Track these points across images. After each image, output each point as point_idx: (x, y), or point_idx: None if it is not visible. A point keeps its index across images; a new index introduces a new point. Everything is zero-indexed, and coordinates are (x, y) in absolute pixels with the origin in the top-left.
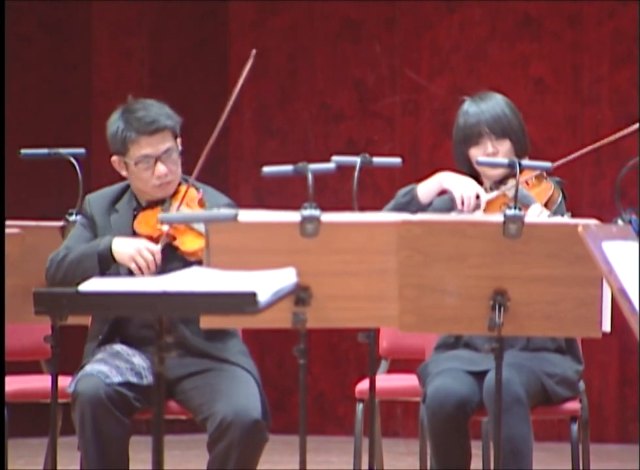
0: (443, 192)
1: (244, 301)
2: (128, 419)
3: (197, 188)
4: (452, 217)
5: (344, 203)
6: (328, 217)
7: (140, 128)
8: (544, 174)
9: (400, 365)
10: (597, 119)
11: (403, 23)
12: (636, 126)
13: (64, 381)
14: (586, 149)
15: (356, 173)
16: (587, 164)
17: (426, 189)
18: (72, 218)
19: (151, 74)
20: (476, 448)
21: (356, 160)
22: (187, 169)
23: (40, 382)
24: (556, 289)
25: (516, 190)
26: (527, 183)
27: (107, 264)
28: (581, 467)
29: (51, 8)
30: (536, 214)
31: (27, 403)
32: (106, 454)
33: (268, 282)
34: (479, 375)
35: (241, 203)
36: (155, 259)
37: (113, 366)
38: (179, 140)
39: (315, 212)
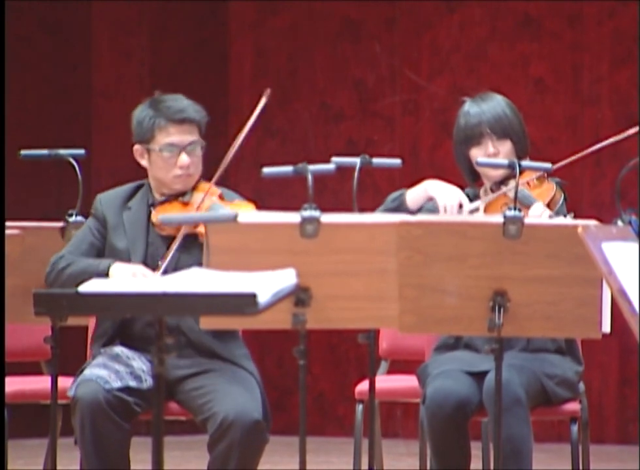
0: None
1: (244, 302)
2: (128, 423)
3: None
4: (452, 217)
5: (344, 204)
6: (327, 217)
7: (170, 115)
8: (546, 175)
9: (399, 366)
10: (597, 119)
11: (403, 23)
12: (636, 129)
13: (64, 382)
14: (586, 151)
15: (356, 174)
16: (587, 165)
17: (414, 195)
18: (72, 218)
19: (151, 74)
20: (476, 449)
21: (356, 160)
22: None
23: (40, 383)
24: (556, 290)
25: (516, 191)
26: (528, 183)
27: None
28: (581, 468)
29: (51, 8)
30: (538, 213)
31: (27, 404)
32: (107, 458)
33: (268, 283)
34: (479, 376)
35: None
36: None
37: (112, 371)
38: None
39: (315, 213)
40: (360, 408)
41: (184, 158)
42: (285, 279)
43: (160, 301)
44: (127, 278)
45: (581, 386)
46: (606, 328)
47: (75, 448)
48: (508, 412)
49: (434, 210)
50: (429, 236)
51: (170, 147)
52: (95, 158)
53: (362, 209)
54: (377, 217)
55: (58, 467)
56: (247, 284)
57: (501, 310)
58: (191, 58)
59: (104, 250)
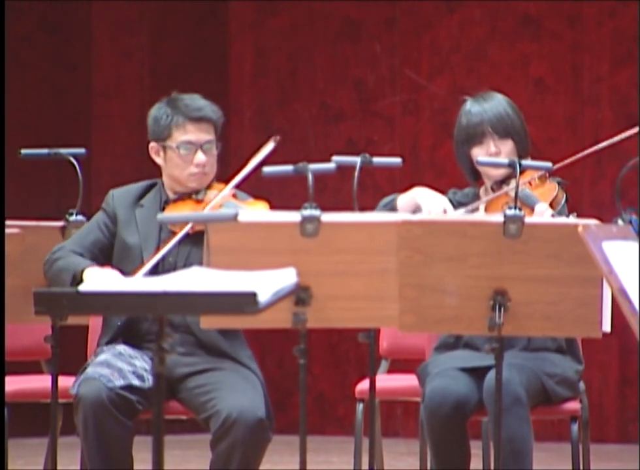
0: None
1: (244, 301)
2: (130, 421)
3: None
4: (453, 217)
5: (344, 203)
6: (328, 217)
7: (188, 113)
8: (547, 175)
9: (400, 365)
10: (597, 119)
11: (403, 23)
12: (636, 129)
13: (64, 381)
14: (585, 151)
15: (356, 173)
16: (587, 165)
17: (404, 202)
18: (72, 218)
19: (151, 74)
20: (476, 448)
21: (356, 160)
22: None
23: (40, 382)
24: (556, 289)
25: (516, 190)
26: (530, 183)
27: (77, 286)
28: (581, 467)
29: (51, 8)
30: (547, 214)
31: (27, 403)
32: (110, 456)
33: (268, 283)
34: (478, 375)
35: None
36: None
37: (115, 369)
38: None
39: (315, 212)
40: (360, 407)
41: (200, 156)
42: (285, 278)
43: (161, 301)
44: (97, 282)
45: (581, 385)
46: (606, 327)
47: (75, 448)
48: (508, 412)
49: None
50: (429, 236)
51: (187, 144)
52: (95, 158)
53: (363, 209)
54: (378, 217)
55: (58, 467)
56: (248, 283)
57: (502, 309)
58: (191, 58)
59: (108, 245)
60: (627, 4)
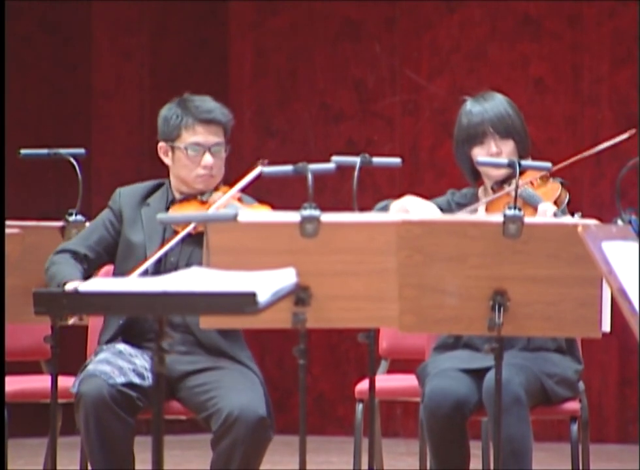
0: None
1: (244, 301)
2: (132, 419)
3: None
4: (453, 217)
5: (344, 203)
6: (327, 217)
7: (198, 115)
8: (549, 174)
9: (399, 365)
10: (597, 120)
11: (403, 23)
12: (630, 132)
13: (64, 381)
14: (582, 154)
15: (356, 174)
16: (587, 165)
17: (396, 209)
18: (72, 218)
19: (151, 74)
20: (476, 448)
21: (356, 160)
22: None
23: (40, 382)
24: (556, 289)
25: (516, 190)
26: (532, 183)
27: None
28: (581, 467)
29: (51, 8)
30: (549, 212)
31: (27, 403)
32: (112, 454)
33: (268, 283)
34: (478, 375)
35: None
36: None
37: (116, 367)
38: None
39: (315, 212)
40: (360, 407)
41: (208, 158)
42: (284, 278)
43: (161, 301)
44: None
45: (581, 385)
46: (606, 327)
47: (75, 448)
48: (508, 412)
49: (438, 205)
50: (429, 236)
51: (196, 146)
52: (95, 158)
53: (362, 209)
54: (377, 217)
55: (58, 467)
56: (247, 284)
57: (501, 309)
58: (191, 58)
59: (113, 243)
60: (627, 4)
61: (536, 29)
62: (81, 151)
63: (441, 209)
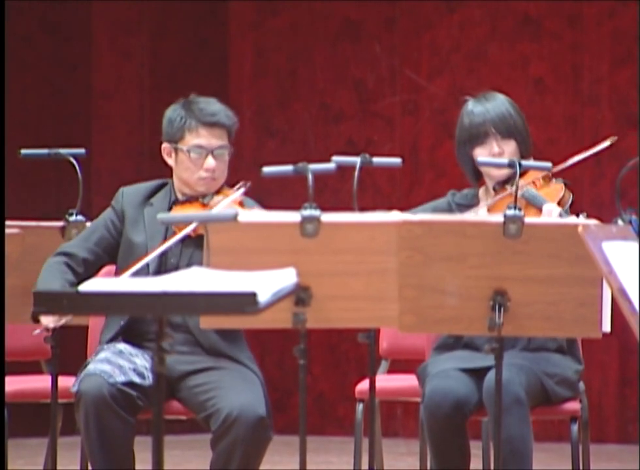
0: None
1: (244, 301)
2: (132, 418)
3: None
4: (453, 217)
5: (344, 203)
6: (328, 217)
7: (202, 117)
8: (551, 175)
9: (400, 365)
10: (597, 120)
11: (403, 23)
12: (614, 138)
13: (64, 381)
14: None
15: (356, 174)
16: (587, 165)
17: None
18: (72, 218)
19: (151, 74)
20: (476, 449)
21: (356, 160)
22: None
23: (40, 382)
24: (556, 289)
25: (516, 190)
26: (534, 184)
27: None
28: (581, 468)
29: (51, 8)
30: (555, 212)
31: (27, 403)
32: (112, 453)
33: (268, 283)
34: (478, 375)
35: None
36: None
37: (116, 366)
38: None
39: (315, 212)
40: (360, 407)
41: (210, 161)
42: (285, 278)
43: (161, 301)
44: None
45: (581, 385)
46: (606, 327)
47: (75, 448)
48: (508, 412)
49: (443, 206)
50: (429, 236)
51: (198, 149)
52: (95, 158)
53: (362, 209)
54: (377, 217)
55: (58, 467)
56: (247, 284)
57: (502, 309)
58: (191, 58)
59: (114, 244)
60: (627, 4)
61: (536, 29)
62: (81, 151)
63: (442, 211)
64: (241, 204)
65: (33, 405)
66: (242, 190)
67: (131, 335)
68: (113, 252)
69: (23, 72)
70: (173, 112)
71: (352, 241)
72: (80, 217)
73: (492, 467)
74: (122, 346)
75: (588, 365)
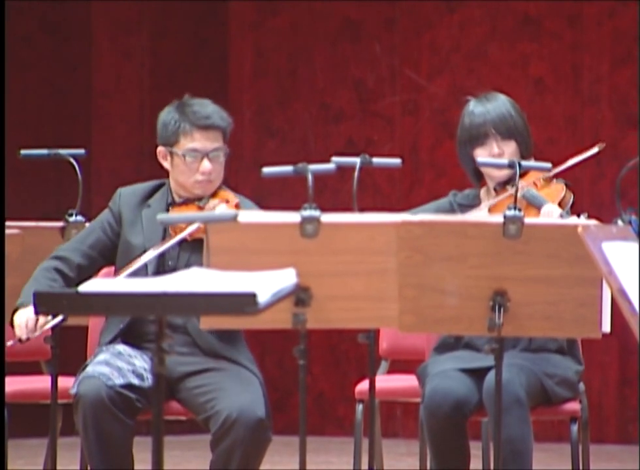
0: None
1: (244, 302)
2: (131, 420)
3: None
4: (453, 217)
5: (344, 203)
6: (327, 217)
7: (195, 121)
8: (552, 175)
9: (399, 365)
10: (597, 119)
11: (403, 23)
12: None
13: (64, 382)
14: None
15: (356, 174)
16: (587, 164)
17: None
18: (72, 218)
19: (151, 74)
20: (476, 449)
21: (356, 160)
22: None
23: (40, 382)
24: (556, 289)
25: (516, 190)
26: (535, 184)
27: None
28: (581, 468)
29: (51, 8)
30: (556, 213)
31: (27, 404)
32: (111, 455)
33: (268, 283)
34: (478, 375)
35: None
36: (32, 326)
37: (114, 368)
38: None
39: (315, 212)
40: (360, 408)
41: (206, 164)
42: (285, 278)
43: (161, 301)
44: (17, 321)
45: (581, 385)
46: (606, 327)
47: (75, 448)
48: (508, 412)
49: (445, 206)
50: (429, 236)
51: (193, 152)
52: (95, 158)
53: (362, 209)
54: (377, 217)
55: (58, 467)
56: (247, 284)
57: (501, 310)
58: (191, 58)
59: (110, 246)
60: (627, 4)
61: (536, 29)
62: (81, 151)
63: (443, 211)
64: (237, 206)
65: (33, 406)
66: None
67: (130, 336)
68: (109, 255)
69: (23, 72)
70: (167, 115)
71: (352, 241)
72: (79, 217)
73: (492, 467)
74: (121, 347)
75: (588, 365)
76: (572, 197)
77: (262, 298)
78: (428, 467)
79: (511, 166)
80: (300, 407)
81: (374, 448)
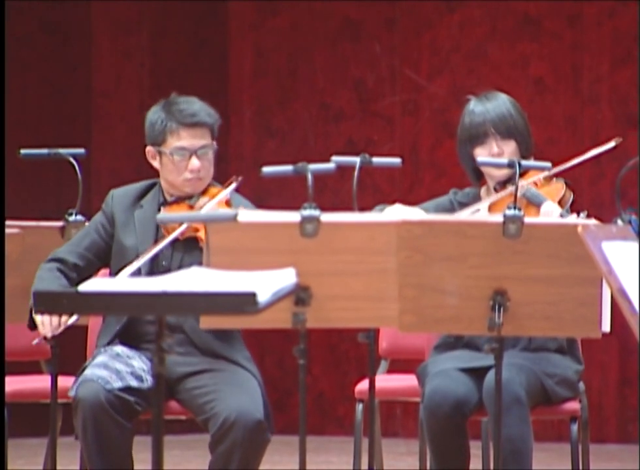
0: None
1: (244, 301)
2: (130, 423)
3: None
4: (452, 217)
5: (344, 203)
6: (327, 217)
7: (182, 119)
8: (552, 174)
9: (399, 365)
10: (597, 119)
11: (403, 23)
12: (619, 140)
13: (64, 381)
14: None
15: (355, 174)
16: (587, 164)
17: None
18: (72, 218)
19: (151, 74)
20: (476, 449)
21: (356, 160)
22: None
23: (40, 382)
24: (556, 289)
25: (516, 190)
26: (535, 183)
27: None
28: (581, 467)
29: (51, 8)
30: (550, 211)
31: (27, 404)
32: (110, 458)
33: (268, 283)
34: (478, 375)
35: None
36: (55, 324)
37: (113, 371)
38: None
39: (315, 212)
40: (360, 407)
41: (195, 162)
42: (285, 278)
43: (160, 301)
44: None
45: (581, 385)
46: (606, 327)
47: (75, 448)
48: (508, 412)
49: (445, 205)
50: (429, 236)
51: (181, 151)
52: (95, 158)
53: (362, 209)
54: (377, 217)
55: (58, 467)
56: (247, 284)
57: (501, 309)
58: (191, 58)
59: (105, 248)
60: (627, 4)
61: (536, 29)
62: (81, 151)
63: (444, 209)
64: (228, 204)
65: (33, 405)
66: (232, 187)
67: (128, 337)
68: (104, 257)
69: (23, 72)
70: (153, 115)
71: (352, 241)
72: (79, 217)
73: (491, 467)
74: (119, 349)
75: (588, 365)
76: (572, 196)
77: (262, 298)
78: (428, 467)
79: (510, 165)
80: (300, 407)
81: (374, 448)
